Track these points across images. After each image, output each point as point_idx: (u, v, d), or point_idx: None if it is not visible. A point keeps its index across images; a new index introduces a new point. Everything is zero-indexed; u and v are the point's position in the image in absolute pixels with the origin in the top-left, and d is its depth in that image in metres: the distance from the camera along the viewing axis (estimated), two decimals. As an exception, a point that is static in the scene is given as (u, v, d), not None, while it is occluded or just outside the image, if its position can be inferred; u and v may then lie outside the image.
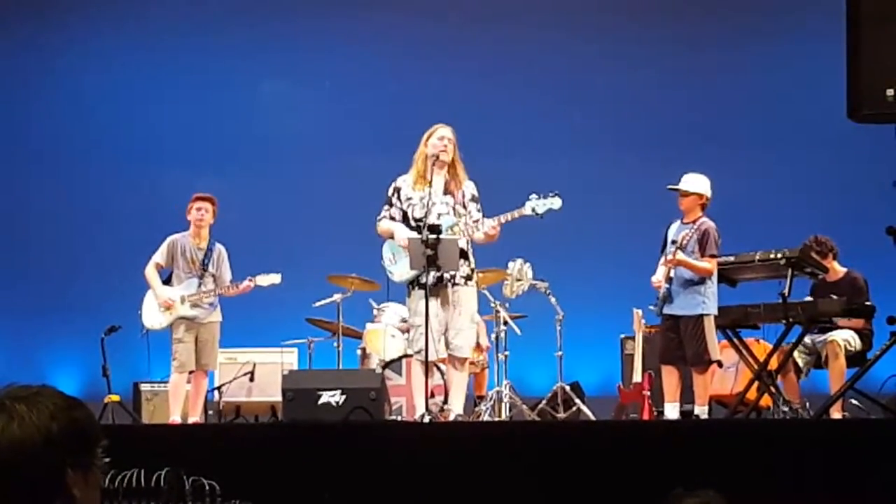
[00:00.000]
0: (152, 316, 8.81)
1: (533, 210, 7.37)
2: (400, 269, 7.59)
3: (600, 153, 11.74)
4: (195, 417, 8.74)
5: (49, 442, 2.01)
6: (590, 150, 11.78)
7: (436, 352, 7.38)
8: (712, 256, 7.88)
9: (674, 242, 7.97)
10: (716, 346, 7.91)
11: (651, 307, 8.23)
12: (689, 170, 8.15)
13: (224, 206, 9.06)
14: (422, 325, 7.26)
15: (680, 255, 7.87)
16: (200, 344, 8.74)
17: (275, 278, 8.86)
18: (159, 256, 8.84)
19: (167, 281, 8.86)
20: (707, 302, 7.86)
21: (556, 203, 7.39)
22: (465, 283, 7.49)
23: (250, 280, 8.81)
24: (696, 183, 8.06)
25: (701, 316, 7.83)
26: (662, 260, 8.13)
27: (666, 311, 7.98)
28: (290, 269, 9.22)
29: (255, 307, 9.60)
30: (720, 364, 8.12)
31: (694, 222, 7.98)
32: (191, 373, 8.75)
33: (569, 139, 11.90)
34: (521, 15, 12.07)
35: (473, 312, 7.71)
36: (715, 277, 7.91)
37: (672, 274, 7.94)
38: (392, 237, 7.57)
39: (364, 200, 8.10)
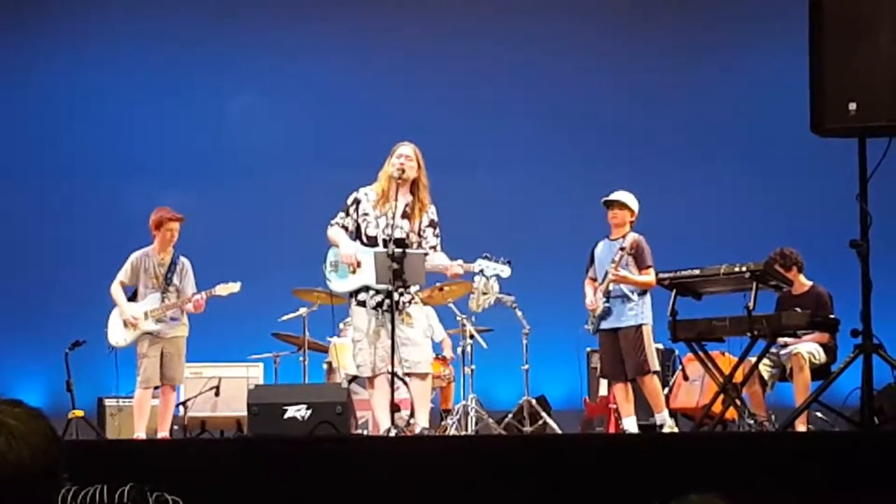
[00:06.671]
0: (117, 333, 8.77)
1: (481, 271, 7.36)
2: (338, 279, 7.51)
3: (568, 167, 11.76)
4: (164, 433, 8.68)
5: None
6: (557, 163, 11.80)
7: (375, 368, 7.32)
8: (648, 268, 8.10)
9: (613, 261, 8.14)
10: (654, 355, 8.20)
11: (586, 326, 8.37)
12: (655, 183, 8.23)
13: (190, 219, 9.01)
14: (361, 340, 7.27)
15: (623, 272, 8.03)
16: (166, 358, 8.70)
17: (233, 287, 8.79)
18: (123, 275, 8.80)
19: (133, 297, 8.82)
20: (644, 312, 8.13)
21: (505, 271, 7.37)
22: (411, 304, 7.42)
23: (206, 292, 8.73)
24: (631, 198, 8.30)
25: (640, 326, 8.10)
26: (588, 281, 8.37)
27: (603, 326, 8.22)
28: (255, 283, 9.18)
29: (222, 322, 9.54)
30: (658, 374, 8.28)
31: (623, 238, 8.19)
32: (157, 388, 8.71)
33: (535, 153, 11.91)
34: (488, 30, 12.08)
35: (425, 327, 7.66)
36: (650, 290, 8.14)
37: (609, 289, 8.11)
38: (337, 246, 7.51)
39: (330, 214, 8.06)
